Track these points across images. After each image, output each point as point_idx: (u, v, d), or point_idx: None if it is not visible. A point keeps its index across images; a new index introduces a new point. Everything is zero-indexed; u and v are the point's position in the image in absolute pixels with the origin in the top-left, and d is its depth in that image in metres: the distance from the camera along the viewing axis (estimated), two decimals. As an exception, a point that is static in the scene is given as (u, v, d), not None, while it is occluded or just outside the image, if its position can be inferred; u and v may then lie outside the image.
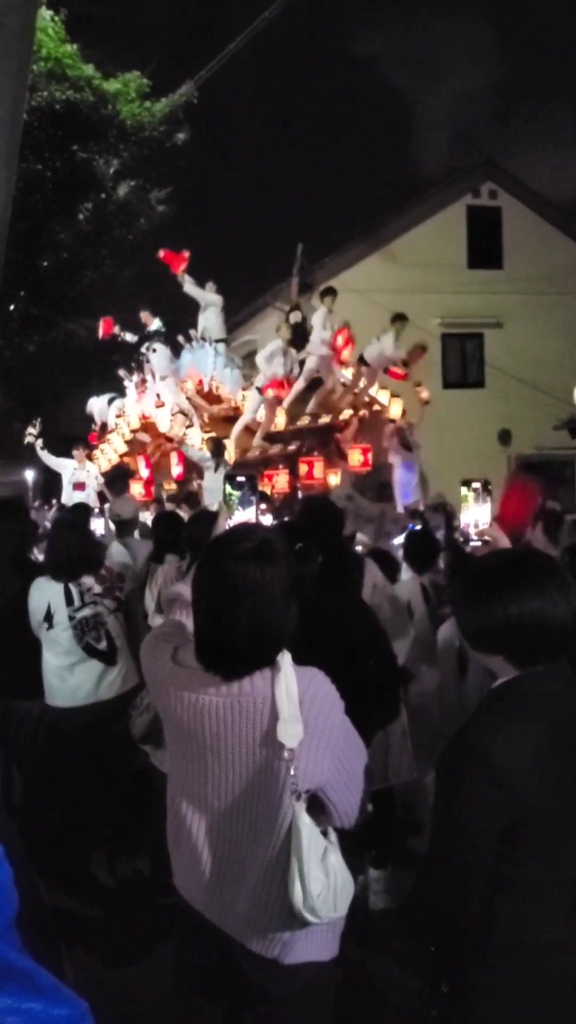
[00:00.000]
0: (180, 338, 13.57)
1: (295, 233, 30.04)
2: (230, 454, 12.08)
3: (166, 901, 2.31)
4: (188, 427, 12.52)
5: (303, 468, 12.17)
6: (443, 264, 19.70)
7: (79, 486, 12.65)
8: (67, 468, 13.13)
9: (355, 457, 12.67)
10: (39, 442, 13.04)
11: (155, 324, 13.20)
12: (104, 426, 15.21)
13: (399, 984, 3.56)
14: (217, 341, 13.12)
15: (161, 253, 13.36)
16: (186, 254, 13.21)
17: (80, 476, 12.92)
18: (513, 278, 20.23)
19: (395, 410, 13.85)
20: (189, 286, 13.13)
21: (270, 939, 2.01)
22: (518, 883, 1.90)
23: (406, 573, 5.67)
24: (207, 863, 2.04)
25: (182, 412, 12.72)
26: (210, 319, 13.20)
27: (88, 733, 4.57)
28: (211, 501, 9.71)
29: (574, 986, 1.97)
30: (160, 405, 13.27)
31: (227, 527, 2.32)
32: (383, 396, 13.84)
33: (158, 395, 13.34)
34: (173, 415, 12.85)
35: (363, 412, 13.40)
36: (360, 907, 4.36)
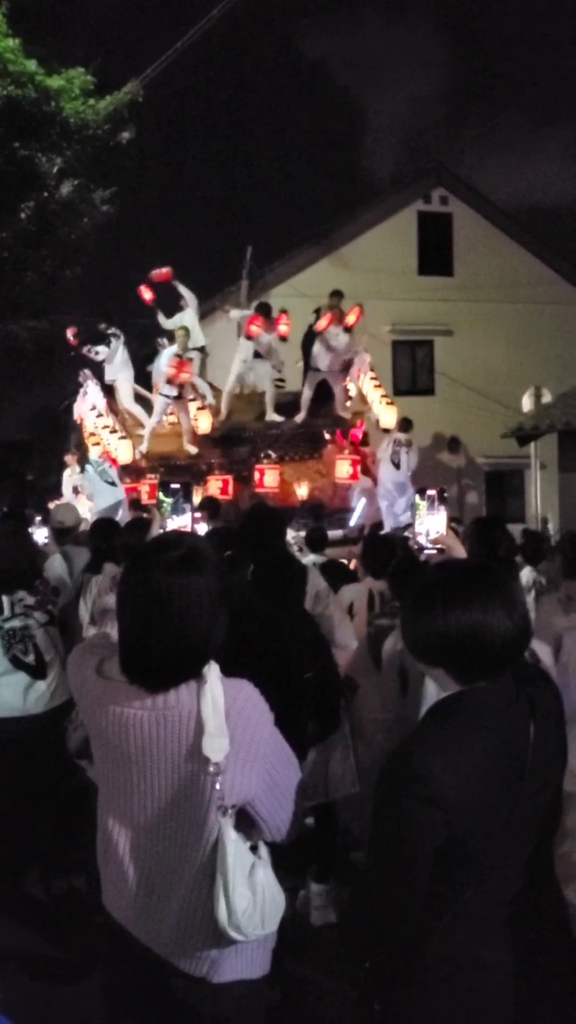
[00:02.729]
0: (157, 343, 13.58)
1: (244, 236, 30.10)
2: (127, 456, 12.02)
3: (102, 920, 2.30)
4: (106, 428, 12.45)
5: (256, 475, 11.81)
6: (394, 270, 19.89)
7: (75, 490, 13.08)
8: (66, 479, 13.49)
9: (343, 468, 12.09)
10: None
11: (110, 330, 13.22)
12: None
13: (339, 1000, 3.57)
14: (195, 349, 13.14)
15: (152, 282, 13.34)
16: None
17: (76, 480, 13.22)
18: (463, 285, 20.50)
19: (388, 418, 13.04)
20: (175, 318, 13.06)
21: (197, 957, 1.99)
22: (454, 903, 1.90)
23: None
24: (134, 880, 2.03)
25: (106, 415, 12.72)
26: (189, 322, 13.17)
27: (18, 747, 4.52)
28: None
29: (507, 1006, 1.99)
30: (92, 408, 13.27)
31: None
32: (377, 401, 13.11)
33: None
34: (98, 416, 12.83)
35: (350, 416, 12.95)
36: (301, 922, 4.37)
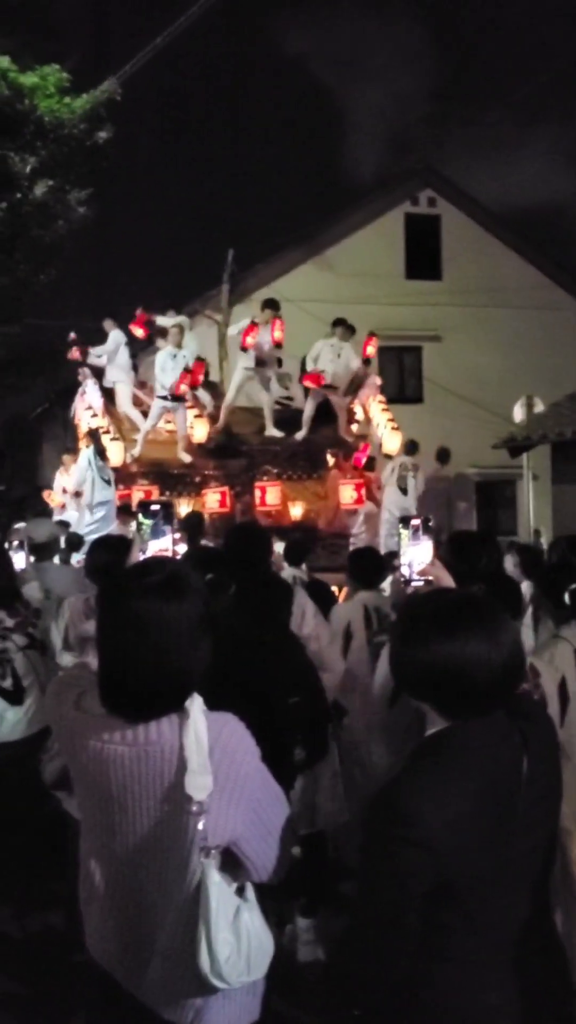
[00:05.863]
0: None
1: (225, 238, 30.14)
2: (118, 458, 12.08)
3: (80, 959, 2.28)
4: (99, 428, 12.46)
5: (256, 493, 11.80)
6: (380, 274, 19.94)
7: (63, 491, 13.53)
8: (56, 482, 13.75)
9: (347, 493, 12.09)
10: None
11: (113, 332, 13.23)
12: None
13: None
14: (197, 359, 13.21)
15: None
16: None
17: (64, 481, 13.66)
18: (452, 289, 20.54)
19: (392, 444, 13.03)
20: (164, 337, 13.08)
21: (182, 1005, 1.97)
22: (445, 947, 1.89)
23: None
24: (117, 923, 2.01)
25: (101, 416, 12.74)
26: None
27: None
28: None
29: None
30: (88, 408, 13.30)
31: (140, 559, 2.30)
32: (383, 425, 13.18)
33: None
34: (92, 416, 12.83)
35: (353, 439, 12.95)
36: (288, 958, 4.33)
